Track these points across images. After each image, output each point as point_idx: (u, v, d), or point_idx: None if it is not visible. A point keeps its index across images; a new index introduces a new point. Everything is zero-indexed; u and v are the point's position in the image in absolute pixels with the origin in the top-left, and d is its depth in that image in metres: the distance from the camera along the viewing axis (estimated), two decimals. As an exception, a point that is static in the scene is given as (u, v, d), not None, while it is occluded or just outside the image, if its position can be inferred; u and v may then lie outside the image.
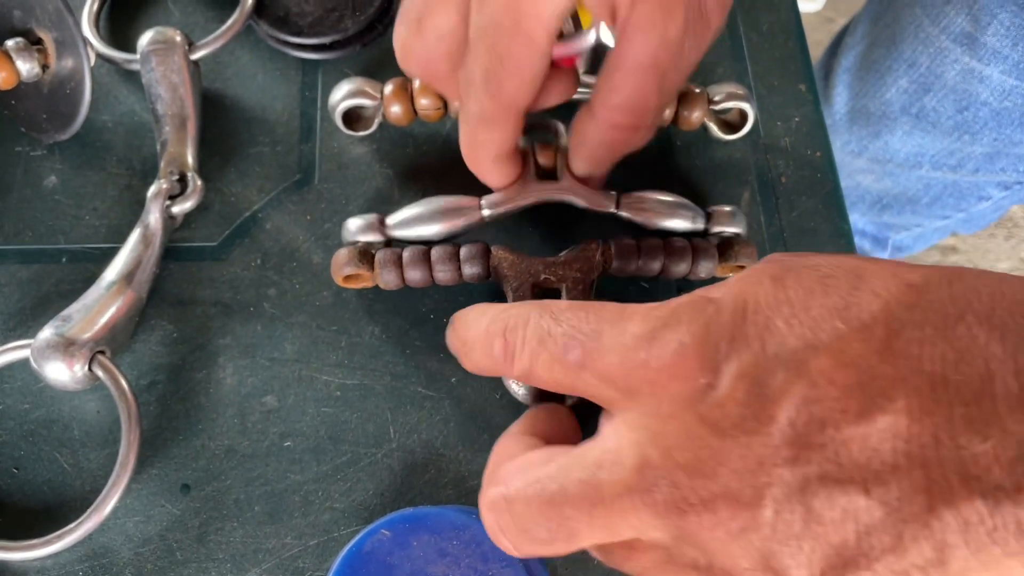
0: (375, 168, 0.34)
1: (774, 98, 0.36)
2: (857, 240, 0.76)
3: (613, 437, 0.19)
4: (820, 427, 0.16)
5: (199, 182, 0.32)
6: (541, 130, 0.31)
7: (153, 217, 0.31)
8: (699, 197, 0.34)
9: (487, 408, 0.30)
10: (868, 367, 0.16)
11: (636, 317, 0.20)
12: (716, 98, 0.32)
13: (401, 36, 0.27)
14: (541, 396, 0.27)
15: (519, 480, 0.20)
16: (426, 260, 0.29)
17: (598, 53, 0.29)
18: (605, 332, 0.20)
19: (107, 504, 0.27)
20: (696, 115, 0.32)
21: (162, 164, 0.32)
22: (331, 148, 0.34)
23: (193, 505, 0.29)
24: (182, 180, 0.32)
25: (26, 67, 0.32)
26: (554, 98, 0.27)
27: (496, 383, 0.30)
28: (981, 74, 0.50)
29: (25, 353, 0.28)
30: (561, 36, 0.26)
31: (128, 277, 0.30)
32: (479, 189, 0.30)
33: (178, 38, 0.33)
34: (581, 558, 0.28)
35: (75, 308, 0.29)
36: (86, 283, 0.30)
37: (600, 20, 0.25)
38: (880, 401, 0.16)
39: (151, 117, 0.33)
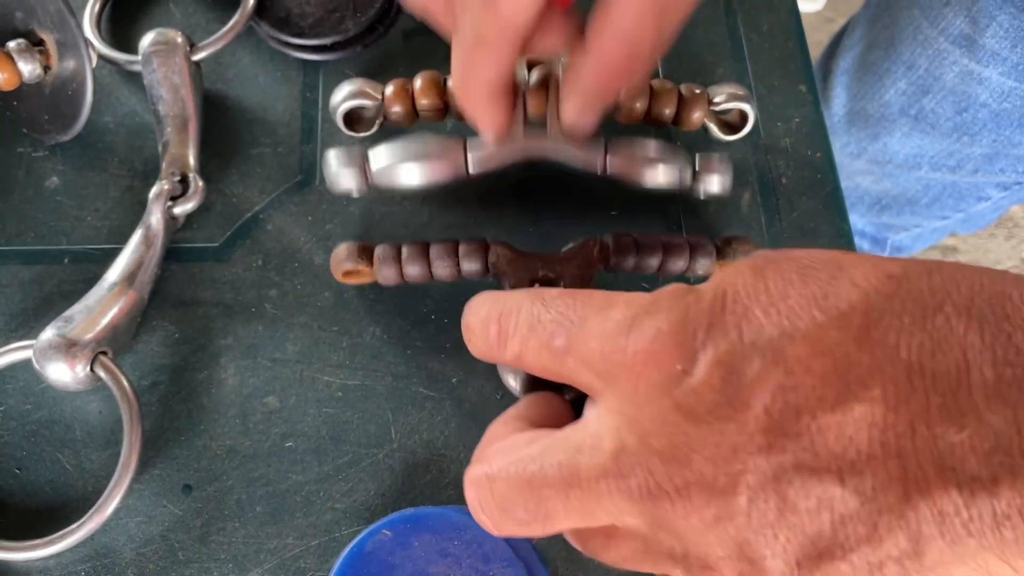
0: (376, 169, 0.34)
1: (774, 99, 0.36)
2: (856, 241, 0.76)
3: (594, 422, 0.19)
4: (796, 415, 0.16)
5: (201, 183, 0.32)
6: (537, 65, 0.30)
7: (155, 218, 0.31)
8: (699, 199, 0.34)
9: (488, 408, 0.30)
10: (845, 355, 0.16)
11: (620, 304, 0.20)
12: (716, 99, 0.32)
13: None
14: (533, 386, 0.27)
15: (502, 460, 0.20)
16: (425, 256, 0.29)
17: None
18: (589, 319, 0.20)
19: (109, 504, 0.27)
20: (696, 116, 0.32)
21: (164, 165, 0.32)
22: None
23: (195, 505, 0.29)
24: (184, 181, 0.32)
25: (28, 68, 0.32)
26: (550, 38, 0.27)
27: (496, 383, 0.30)
28: (980, 76, 0.50)
29: (27, 354, 0.29)
30: None
31: (130, 278, 0.30)
32: (480, 194, 0.30)
33: (179, 39, 0.33)
34: (581, 558, 0.28)
35: (77, 309, 0.29)
36: (88, 284, 0.30)
37: None
38: (856, 390, 0.16)
39: (153, 118, 0.33)
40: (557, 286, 0.29)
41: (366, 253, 0.30)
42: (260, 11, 0.35)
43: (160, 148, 0.33)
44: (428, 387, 0.31)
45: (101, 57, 0.35)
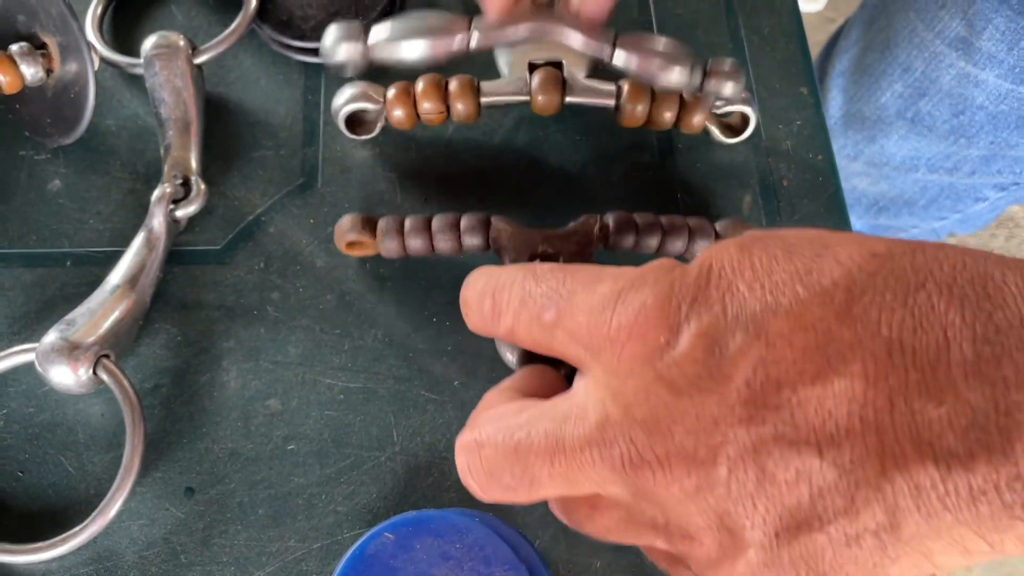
0: (378, 172, 0.34)
1: (775, 101, 0.36)
2: (853, 243, 0.76)
3: (581, 393, 0.20)
4: (776, 388, 0.16)
5: (203, 186, 0.32)
6: None
7: (157, 221, 0.31)
8: (701, 201, 0.34)
9: (490, 411, 0.30)
10: (826, 330, 0.16)
11: (607, 279, 0.20)
12: (718, 102, 0.32)
13: None
14: (528, 361, 0.27)
15: (491, 427, 0.21)
16: (427, 229, 0.29)
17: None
18: (578, 293, 0.20)
19: (111, 507, 0.27)
20: (697, 119, 0.32)
21: (166, 168, 0.32)
22: (334, 152, 0.35)
23: (197, 508, 0.29)
24: (186, 184, 0.32)
25: (30, 71, 0.32)
26: None
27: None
28: (976, 78, 0.50)
29: (30, 357, 0.29)
30: None
31: (132, 281, 0.30)
32: (484, 198, 0.30)
33: (181, 42, 0.33)
34: (582, 560, 0.28)
35: (79, 312, 0.29)
36: (90, 287, 0.30)
37: None
38: (837, 364, 0.16)
39: (155, 121, 0.33)
40: (556, 262, 0.29)
41: (370, 225, 0.30)
42: (262, 14, 0.35)
43: (162, 151, 0.33)
44: (430, 390, 0.31)
45: (103, 60, 0.35)
